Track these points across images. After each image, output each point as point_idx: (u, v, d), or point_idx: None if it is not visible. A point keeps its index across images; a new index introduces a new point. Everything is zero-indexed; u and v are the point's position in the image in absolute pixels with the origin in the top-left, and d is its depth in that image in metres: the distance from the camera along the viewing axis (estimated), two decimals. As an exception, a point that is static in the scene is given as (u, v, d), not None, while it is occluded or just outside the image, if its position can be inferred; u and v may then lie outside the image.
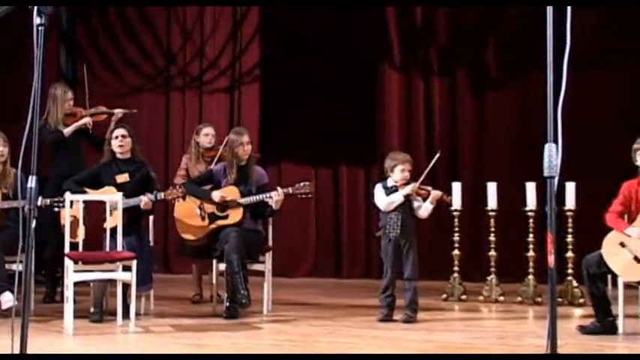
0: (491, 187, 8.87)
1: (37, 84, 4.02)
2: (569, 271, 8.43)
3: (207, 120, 10.37)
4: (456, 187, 8.96)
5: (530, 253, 8.68)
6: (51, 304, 8.27)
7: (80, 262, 6.84)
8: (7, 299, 6.98)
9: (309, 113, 11.55)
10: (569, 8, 3.78)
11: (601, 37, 10.39)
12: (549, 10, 3.80)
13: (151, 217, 8.04)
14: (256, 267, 7.77)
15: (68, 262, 6.83)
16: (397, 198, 7.27)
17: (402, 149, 8.89)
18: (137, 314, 7.03)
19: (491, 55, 11.08)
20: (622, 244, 6.47)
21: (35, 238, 4.22)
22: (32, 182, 4.06)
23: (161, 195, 7.58)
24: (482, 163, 10.96)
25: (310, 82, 11.52)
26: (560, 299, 8.27)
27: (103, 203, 7.27)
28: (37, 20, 4.05)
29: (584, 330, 6.64)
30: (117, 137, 7.69)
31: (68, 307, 6.72)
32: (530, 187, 8.62)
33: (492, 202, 8.84)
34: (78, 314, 6.90)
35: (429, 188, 7.35)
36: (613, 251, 6.50)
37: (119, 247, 7.10)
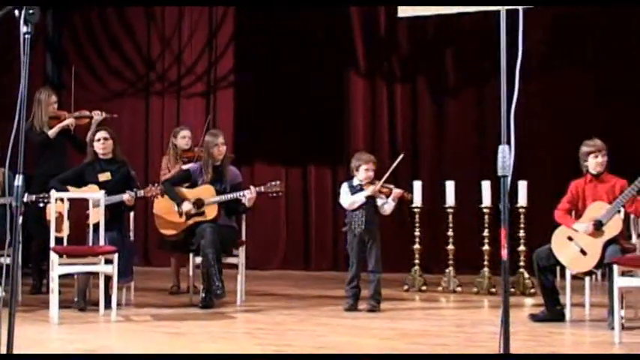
0: (450, 186, 8.90)
1: (24, 89, 3.99)
2: (521, 263, 8.49)
3: (185, 123, 10.33)
4: (417, 185, 8.99)
5: (485, 247, 8.72)
6: (37, 295, 8.22)
7: (65, 256, 6.81)
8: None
9: (279, 117, 11.56)
10: (520, 20, 3.80)
11: (550, 46, 10.48)
12: (502, 21, 3.83)
13: (132, 213, 8.00)
14: (230, 260, 7.75)
15: (54, 256, 6.79)
16: (359, 199, 7.29)
17: (367, 150, 8.87)
18: (118, 304, 6.99)
19: (450, 63, 11.14)
20: (569, 239, 6.51)
21: (22, 233, 4.20)
22: (19, 181, 4.03)
23: (141, 192, 7.56)
24: (441, 164, 11.00)
25: (281, 88, 11.52)
26: (512, 289, 8.33)
27: (86, 200, 7.23)
28: (23, 29, 4.02)
29: (534, 318, 6.68)
30: (99, 139, 7.66)
31: (54, 298, 6.68)
32: (486, 186, 8.66)
33: (450, 200, 8.87)
34: (63, 304, 6.84)
35: (392, 186, 7.37)
36: (561, 245, 6.53)
37: (101, 242, 7.06)
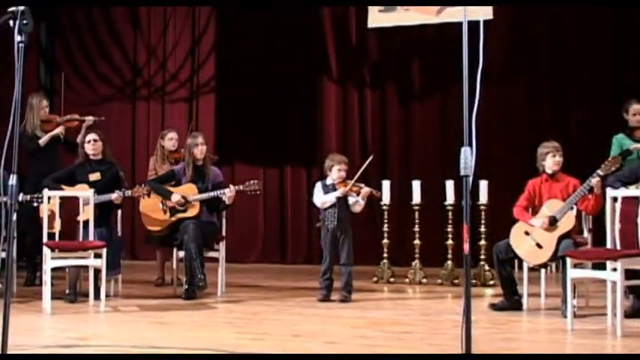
0: (416, 185, 8.91)
1: (18, 94, 3.98)
2: (482, 256, 8.51)
3: (169, 126, 10.28)
4: (386, 184, 9.00)
5: (449, 242, 8.75)
6: (31, 287, 8.19)
7: (57, 250, 6.79)
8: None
9: (258, 120, 11.54)
10: (481, 31, 3.82)
11: (509, 54, 10.55)
12: (464, 31, 3.85)
13: (120, 211, 7.96)
14: (212, 254, 7.73)
15: (46, 250, 6.77)
16: (330, 199, 7.31)
17: (339, 151, 8.92)
18: (107, 296, 6.96)
19: (416, 70, 11.16)
20: (527, 233, 6.54)
21: (17, 229, 4.17)
22: (13, 180, 4.02)
23: (129, 192, 7.54)
24: (409, 164, 11.01)
25: (259, 93, 11.49)
26: (474, 281, 8.36)
27: (76, 198, 7.20)
28: (17, 38, 4.01)
29: (494, 307, 6.70)
30: (89, 141, 7.64)
31: (46, 290, 6.67)
32: (449, 185, 8.69)
33: (417, 198, 8.89)
34: (55, 296, 6.82)
35: (362, 185, 7.37)
36: (519, 239, 6.57)
37: (91, 237, 7.03)
